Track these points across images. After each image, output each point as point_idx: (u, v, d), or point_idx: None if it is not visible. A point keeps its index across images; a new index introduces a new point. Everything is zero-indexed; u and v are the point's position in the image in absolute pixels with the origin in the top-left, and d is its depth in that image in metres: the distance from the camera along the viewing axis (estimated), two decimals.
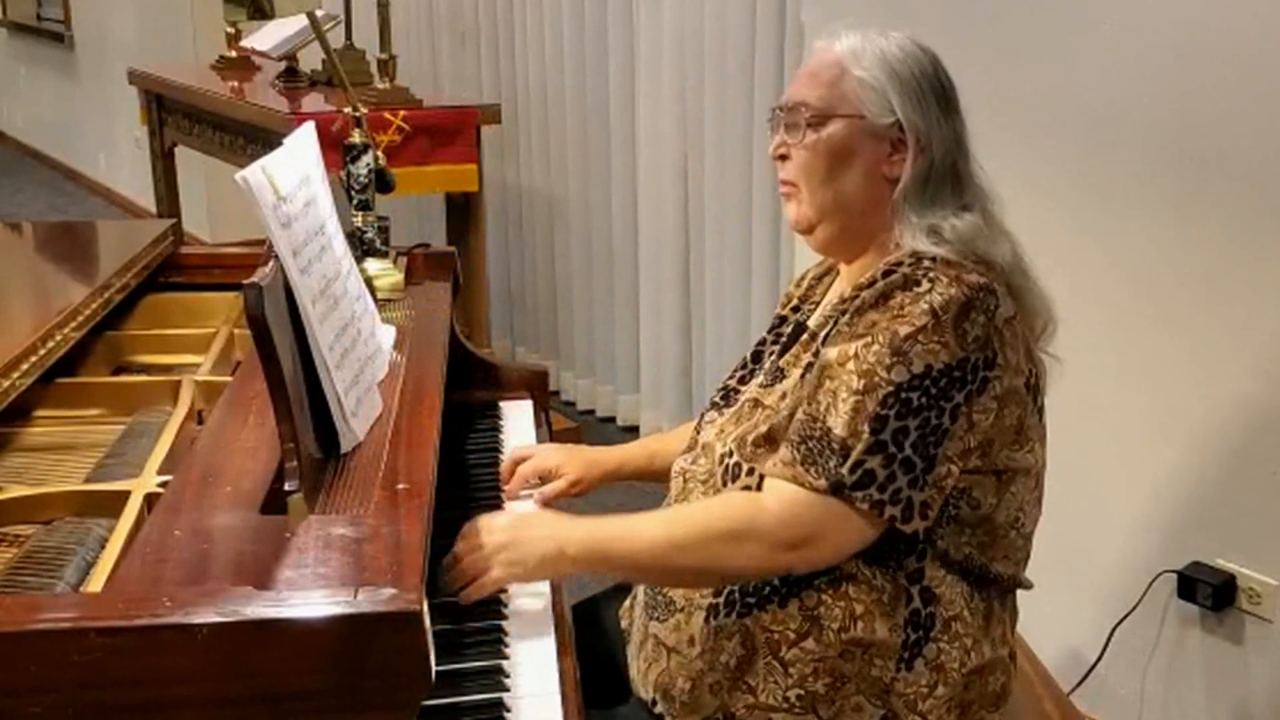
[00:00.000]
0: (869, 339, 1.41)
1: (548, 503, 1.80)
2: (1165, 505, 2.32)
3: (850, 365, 1.41)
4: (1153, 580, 2.31)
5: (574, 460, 1.84)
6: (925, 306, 1.40)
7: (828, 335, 1.49)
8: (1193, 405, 2.25)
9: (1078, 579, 2.39)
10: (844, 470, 1.39)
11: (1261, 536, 2.20)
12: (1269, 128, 2.08)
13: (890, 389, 1.38)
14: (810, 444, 1.41)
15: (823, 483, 1.40)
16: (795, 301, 1.71)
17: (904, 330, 1.40)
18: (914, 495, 1.40)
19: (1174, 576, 2.29)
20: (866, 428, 1.39)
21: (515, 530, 1.50)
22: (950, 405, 1.40)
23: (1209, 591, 2.24)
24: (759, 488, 1.48)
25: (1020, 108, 2.36)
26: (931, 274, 1.43)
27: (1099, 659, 2.39)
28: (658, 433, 3.68)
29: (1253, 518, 2.21)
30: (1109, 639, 2.37)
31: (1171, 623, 2.34)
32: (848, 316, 1.45)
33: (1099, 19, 2.29)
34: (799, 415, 1.45)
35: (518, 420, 2.07)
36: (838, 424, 1.40)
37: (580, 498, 1.84)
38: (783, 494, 1.43)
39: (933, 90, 1.51)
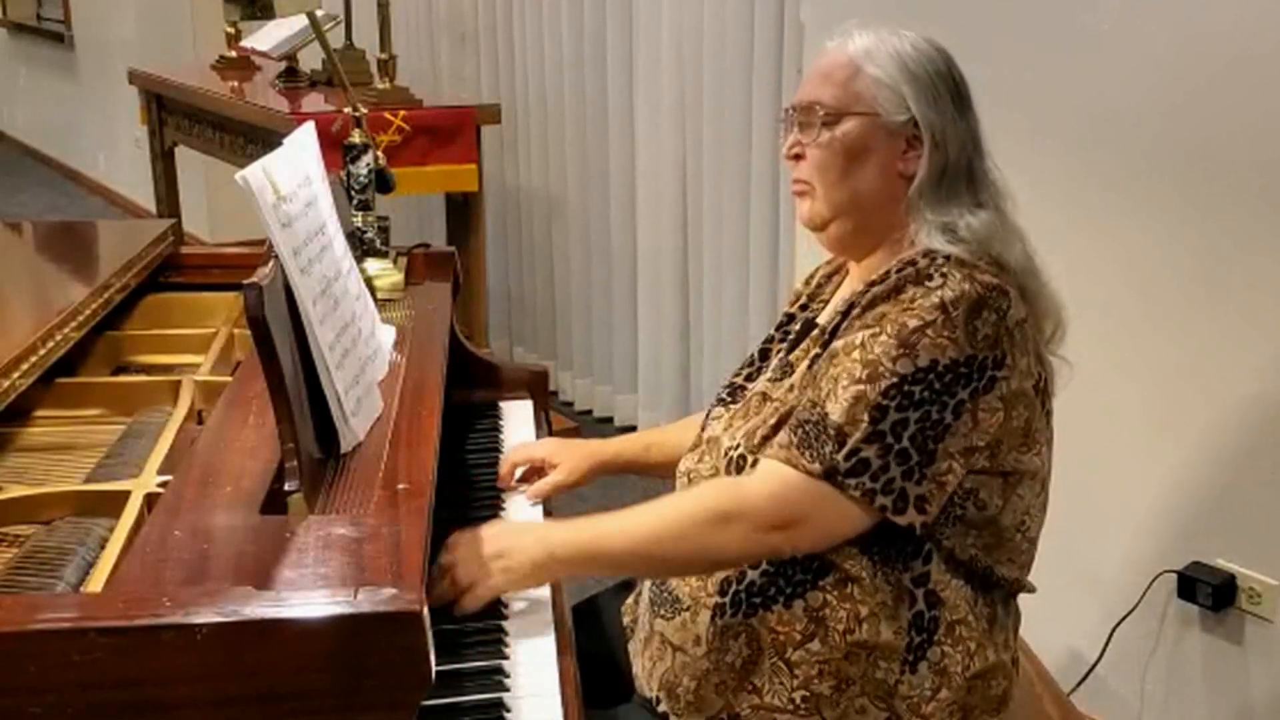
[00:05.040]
0: (876, 329, 1.42)
1: (542, 498, 1.79)
2: (1165, 505, 2.32)
3: (856, 354, 1.41)
4: (1153, 580, 2.31)
5: (565, 451, 1.83)
6: (936, 300, 1.40)
7: (837, 329, 1.49)
8: (1192, 405, 2.25)
9: (1078, 579, 2.39)
10: (839, 457, 1.39)
11: (1261, 536, 2.20)
12: (1269, 127, 2.08)
13: (894, 380, 1.39)
14: (807, 428, 1.42)
15: (816, 467, 1.40)
16: (804, 300, 1.71)
17: (912, 323, 1.40)
18: (908, 487, 1.40)
19: (1174, 576, 2.29)
20: (866, 416, 1.39)
21: (504, 539, 1.49)
22: (954, 401, 1.40)
23: (1209, 591, 2.24)
24: None
25: (1018, 107, 2.36)
26: (944, 269, 1.43)
27: (1099, 659, 2.39)
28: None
29: (1253, 518, 2.21)
30: (1109, 639, 2.37)
31: (1171, 623, 2.34)
32: (859, 310, 1.46)
33: (1097, 19, 2.29)
34: (802, 400, 1.45)
35: (518, 420, 2.07)
36: (836, 410, 1.40)
37: (575, 489, 1.83)
38: (773, 474, 1.43)
39: (947, 88, 1.51)
